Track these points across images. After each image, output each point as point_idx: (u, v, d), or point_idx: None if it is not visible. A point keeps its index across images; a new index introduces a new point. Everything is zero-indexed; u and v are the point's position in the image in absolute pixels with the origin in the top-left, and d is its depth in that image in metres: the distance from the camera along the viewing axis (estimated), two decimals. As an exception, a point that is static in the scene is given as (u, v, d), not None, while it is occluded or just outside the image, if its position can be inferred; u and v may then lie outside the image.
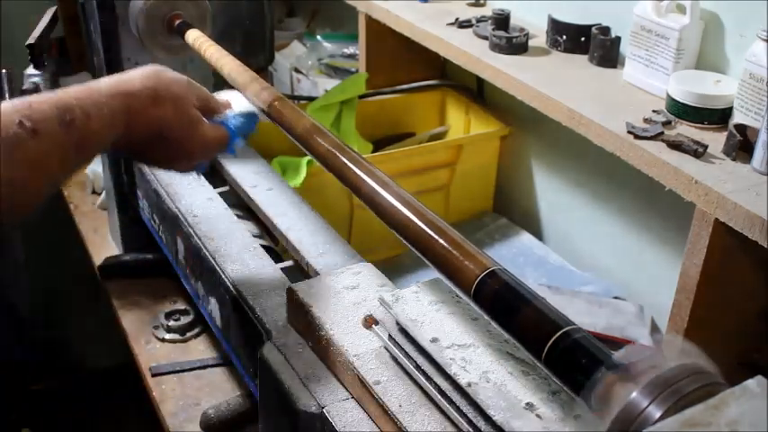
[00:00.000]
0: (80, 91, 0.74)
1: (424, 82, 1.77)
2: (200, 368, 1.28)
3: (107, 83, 0.78)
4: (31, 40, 1.77)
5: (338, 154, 0.81)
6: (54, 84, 1.36)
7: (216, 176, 1.27)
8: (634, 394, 0.47)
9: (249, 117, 0.95)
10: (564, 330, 0.55)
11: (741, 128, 1.04)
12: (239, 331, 0.97)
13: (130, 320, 1.38)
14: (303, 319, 0.81)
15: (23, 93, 1.21)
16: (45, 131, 0.67)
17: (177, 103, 0.82)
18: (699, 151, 1.04)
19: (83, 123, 0.71)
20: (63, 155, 0.69)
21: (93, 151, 0.76)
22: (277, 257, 1.09)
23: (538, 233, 1.64)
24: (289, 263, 1.06)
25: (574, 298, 1.38)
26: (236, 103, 0.95)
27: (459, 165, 1.59)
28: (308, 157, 1.30)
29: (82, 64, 2.06)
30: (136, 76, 0.81)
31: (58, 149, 0.69)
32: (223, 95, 0.95)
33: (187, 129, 0.83)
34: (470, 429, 0.63)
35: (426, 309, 0.73)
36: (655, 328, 1.34)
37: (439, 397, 0.67)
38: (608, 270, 1.48)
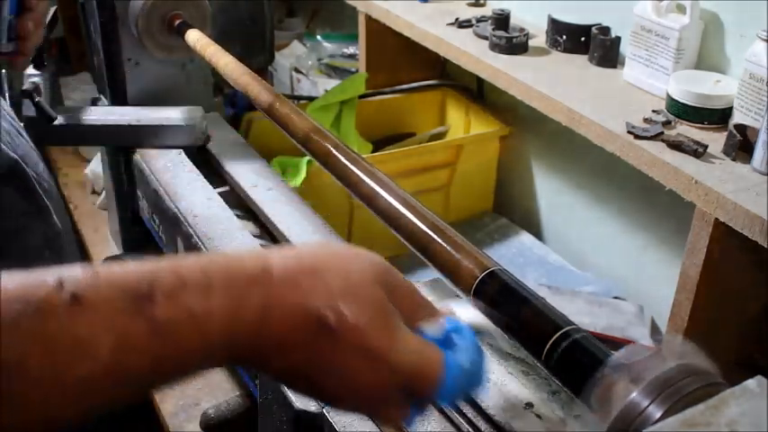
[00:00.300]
0: (191, 259, 0.48)
1: (424, 82, 1.77)
2: (200, 368, 1.28)
3: (240, 255, 0.51)
4: (31, 40, 1.77)
5: (338, 154, 0.81)
6: (54, 84, 1.36)
7: (216, 176, 1.27)
8: (634, 394, 0.47)
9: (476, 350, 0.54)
10: (564, 330, 0.55)
11: (741, 128, 1.04)
12: (239, 331, 0.97)
13: (130, 320, 1.38)
14: (303, 319, 0.81)
15: (23, 93, 1.21)
16: (94, 300, 0.42)
17: (349, 273, 0.50)
18: (699, 151, 1.04)
19: (169, 298, 0.44)
20: (123, 340, 0.42)
21: (189, 342, 0.45)
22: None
23: (538, 233, 1.64)
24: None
25: (574, 298, 1.38)
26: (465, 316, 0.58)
27: (459, 165, 1.59)
28: (308, 157, 1.30)
29: (82, 64, 2.06)
30: (290, 248, 0.55)
31: (110, 330, 0.42)
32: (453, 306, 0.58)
33: (363, 312, 0.49)
34: (470, 429, 0.63)
35: (426, 309, 0.73)
36: (655, 328, 1.34)
37: (439, 397, 0.67)
38: (608, 270, 1.48)
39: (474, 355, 0.52)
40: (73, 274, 0.43)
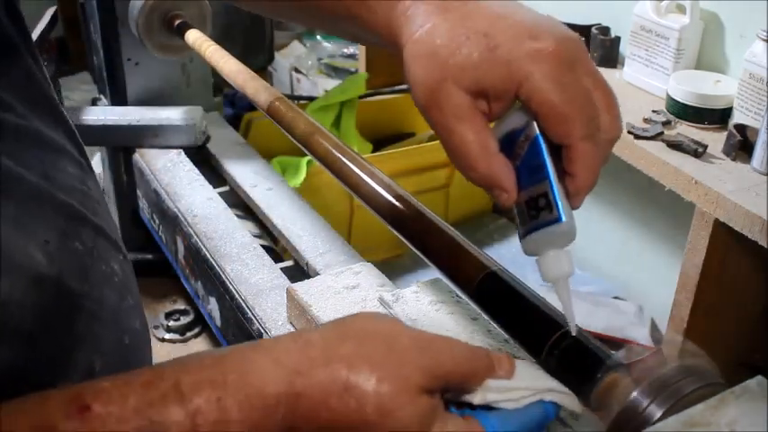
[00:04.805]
0: (204, 372, 0.43)
1: (424, 82, 1.77)
2: (200, 368, 1.28)
3: (261, 349, 0.46)
4: (30, 40, 1.77)
5: (338, 154, 0.81)
6: (54, 84, 1.36)
7: (216, 176, 1.27)
8: (634, 394, 0.47)
9: (535, 407, 0.51)
10: (564, 330, 0.55)
11: (741, 128, 1.04)
12: (239, 331, 0.97)
13: (130, 320, 1.38)
14: (303, 319, 0.81)
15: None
16: None
17: (389, 388, 0.44)
18: (699, 151, 1.04)
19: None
20: None
21: None
22: (277, 257, 1.09)
23: (538, 233, 1.63)
24: (289, 263, 1.06)
25: (574, 298, 1.38)
26: (526, 380, 0.51)
27: (460, 165, 1.59)
28: (308, 157, 1.30)
29: (82, 64, 2.07)
30: (316, 335, 0.47)
31: None
32: (505, 363, 0.51)
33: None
34: (470, 429, 0.63)
35: (426, 309, 0.73)
36: (655, 328, 1.34)
37: (439, 397, 0.67)
38: (608, 270, 1.48)
39: (520, 418, 0.50)
40: (63, 427, 0.39)
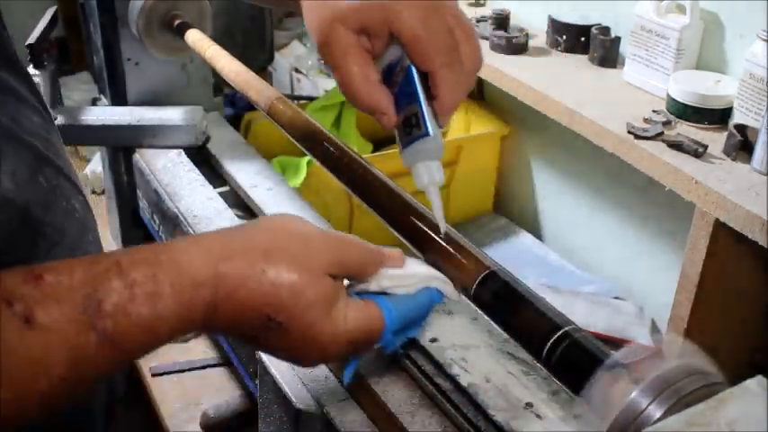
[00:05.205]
0: (139, 253, 0.50)
1: (423, 82, 1.77)
2: (200, 368, 1.28)
3: (188, 242, 0.54)
4: (30, 40, 1.77)
5: (338, 154, 0.81)
6: (54, 84, 1.36)
7: (216, 176, 1.27)
8: (634, 394, 0.47)
9: (423, 293, 0.62)
10: (564, 330, 0.55)
11: (741, 128, 1.04)
12: (239, 331, 0.97)
13: (130, 320, 1.38)
14: (303, 319, 0.81)
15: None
16: (44, 320, 0.44)
17: (297, 271, 0.54)
18: (699, 151, 1.04)
19: (118, 307, 0.47)
20: (78, 352, 0.46)
21: (143, 345, 0.49)
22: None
23: (538, 233, 1.64)
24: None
25: (574, 298, 1.38)
26: (413, 268, 0.63)
27: (459, 165, 1.59)
28: (308, 157, 1.30)
29: (82, 64, 2.07)
30: (238, 230, 0.57)
31: (63, 346, 0.45)
32: (394, 254, 0.62)
33: (311, 311, 0.54)
34: (470, 429, 0.63)
35: (426, 309, 0.73)
36: (655, 328, 1.34)
37: (439, 397, 0.67)
38: (608, 270, 1.48)
39: (409, 302, 0.61)
40: (20, 290, 0.44)
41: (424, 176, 0.63)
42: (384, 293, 0.60)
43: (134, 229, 1.42)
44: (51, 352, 0.44)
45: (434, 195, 0.63)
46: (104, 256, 0.49)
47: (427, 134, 0.61)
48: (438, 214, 0.64)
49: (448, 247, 0.66)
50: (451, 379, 0.66)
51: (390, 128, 0.63)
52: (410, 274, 0.62)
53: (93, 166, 1.73)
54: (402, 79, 0.62)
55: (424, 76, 0.61)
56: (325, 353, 0.57)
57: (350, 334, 0.57)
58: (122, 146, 1.34)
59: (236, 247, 0.53)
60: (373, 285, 0.60)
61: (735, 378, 0.48)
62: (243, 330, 0.54)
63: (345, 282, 0.59)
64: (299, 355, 0.57)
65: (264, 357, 0.81)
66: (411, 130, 0.62)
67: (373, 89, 0.61)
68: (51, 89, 1.32)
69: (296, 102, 1.62)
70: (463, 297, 0.64)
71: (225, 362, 1.28)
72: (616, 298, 1.40)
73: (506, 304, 0.60)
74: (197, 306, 0.50)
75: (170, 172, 1.22)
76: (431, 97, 0.61)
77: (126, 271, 0.48)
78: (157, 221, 1.27)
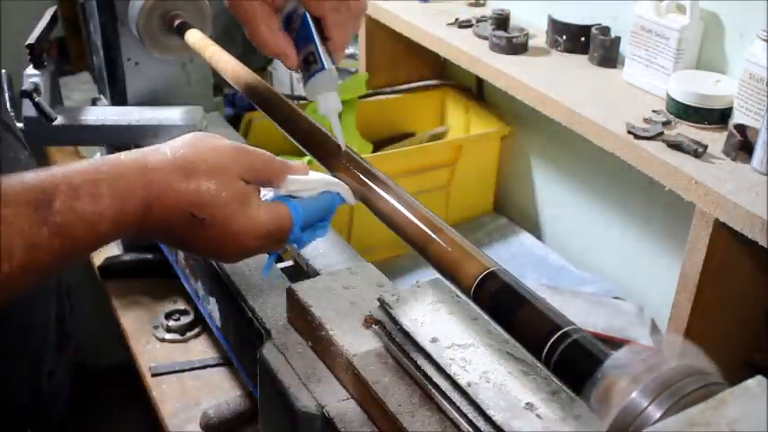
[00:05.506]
0: (83, 165, 0.61)
1: (423, 82, 1.77)
2: (200, 368, 1.28)
3: (126, 155, 0.64)
4: (30, 40, 1.77)
5: (338, 154, 0.81)
6: (54, 84, 1.36)
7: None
8: (634, 394, 0.47)
9: (326, 195, 0.73)
10: (564, 330, 0.55)
11: (741, 128, 1.04)
12: (239, 331, 0.97)
13: (130, 320, 1.38)
14: (303, 319, 0.81)
15: (23, 93, 1.21)
16: (6, 213, 0.54)
17: (216, 175, 0.65)
18: (699, 151, 1.04)
19: (66, 205, 0.57)
20: (31, 240, 0.56)
21: (86, 238, 0.60)
22: (277, 257, 1.09)
23: (538, 233, 1.64)
24: (289, 263, 1.06)
25: (574, 298, 1.38)
26: (315, 176, 0.74)
27: (459, 165, 1.59)
28: (308, 157, 1.30)
29: (82, 64, 2.06)
30: (165, 146, 0.67)
31: (20, 236, 0.55)
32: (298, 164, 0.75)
33: (228, 208, 0.65)
34: (470, 429, 0.63)
35: (426, 309, 0.73)
36: (655, 328, 1.34)
37: (439, 397, 0.67)
38: (608, 270, 1.48)
39: (314, 203, 0.71)
40: None
41: (324, 105, 0.77)
42: (291, 197, 0.70)
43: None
44: (13, 242, 0.55)
45: (334, 120, 0.78)
46: (52, 168, 0.59)
47: (323, 68, 0.75)
48: (338, 135, 0.78)
49: (448, 247, 0.66)
50: (451, 379, 0.66)
51: (293, 67, 0.77)
52: (313, 180, 0.72)
53: (93, 166, 1.72)
54: (299, 25, 0.75)
55: (318, 22, 0.74)
56: (243, 246, 0.67)
57: (263, 229, 0.67)
58: (122, 146, 1.34)
59: (164, 159, 0.64)
60: (282, 190, 0.70)
61: (735, 378, 0.48)
62: (172, 230, 0.64)
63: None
64: (221, 250, 0.68)
65: (265, 356, 0.81)
66: (309, 66, 0.76)
67: (276, 37, 0.75)
68: (51, 89, 1.32)
69: (296, 102, 1.62)
70: (463, 296, 0.64)
71: (225, 362, 1.28)
72: (616, 298, 1.40)
73: (506, 304, 0.60)
74: (131, 207, 0.61)
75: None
76: (324, 39, 0.75)
77: (70, 178, 0.58)
78: (157, 221, 1.26)
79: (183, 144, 0.67)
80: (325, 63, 0.74)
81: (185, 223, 0.64)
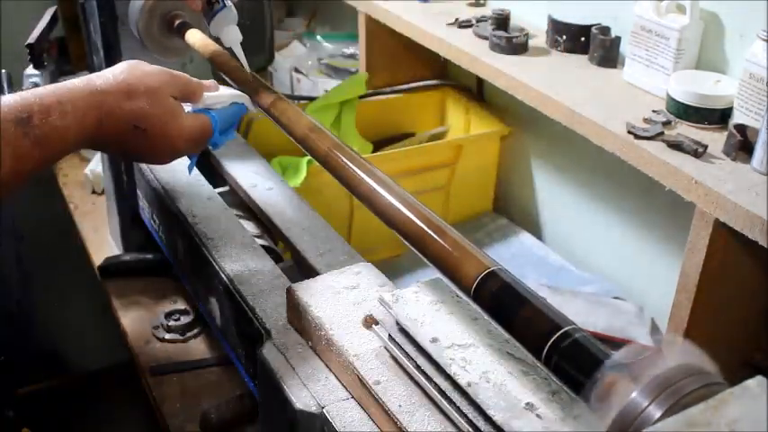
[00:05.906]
0: (48, 89, 0.77)
1: (423, 82, 1.77)
2: (200, 368, 1.28)
3: (79, 80, 0.81)
4: (30, 40, 1.77)
5: (338, 154, 0.81)
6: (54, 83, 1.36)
7: (216, 176, 1.27)
8: (634, 394, 0.47)
9: (234, 106, 0.95)
10: (564, 330, 0.55)
11: (741, 128, 1.04)
12: (239, 331, 0.97)
13: (130, 320, 1.38)
14: (303, 319, 0.81)
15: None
16: None
17: (152, 95, 0.84)
18: (699, 151, 1.04)
19: (41, 120, 0.74)
20: (17, 151, 0.72)
21: (58, 147, 0.77)
22: (277, 257, 1.09)
23: (538, 233, 1.64)
24: (289, 263, 1.06)
25: (574, 298, 1.38)
26: (225, 92, 0.95)
27: (459, 165, 1.59)
28: (308, 157, 1.30)
29: (82, 64, 2.06)
30: (108, 72, 0.84)
31: (8, 146, 0.71)
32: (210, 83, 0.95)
33: (162, 119, 0.85)
34: (470, 429, 0.63)
35: (426, 309, 0.73)
36: (655, 328, 1.34)
37: (439, 397, 0.67)
38: (608, 270, 1.48)
39: (226, 112, 0.94)
40: None
41: (228, 37, 0.99)
42: (208, 109, 0.92)
43: (134, 229, 1.42)
44: (3, 153, 0.71)
45: (237, 49, 0.99)
46: (22, 93, 0.75)
47: (224, 6, 0.98)
48: (242, 60, 0.99)
49: (448, 247, 0.66)
50: (451, 379, 0.66)
51: (198, 10, 1.01)
52: (224, 95, 0.94)
53: (93, 166, 1.73)
54: None
55: None
56: (175, 148, 0.88)
57: (191, 131, 0.88)
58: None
59: (112, 83, 0.82)
60: (200, 105, 0.92)
61: (735, 378, 0.48)
62: (120, 139, 0.83)
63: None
64: (158, 153, 0.88)
65: (265, 356, 0.81)
66: (213, 5, 0.98)
67: None
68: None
69: (296, 102, 1.62)
70: (463, 296, 0.64)
71: (225, 362, 1.28)
72: (616, 298, 1.40)
73: (506, 304, 0.60)
74: (89, 122, 0.79)
75: (170, 172, 1.22)
76: None
77: (41, 98, 0.75)
78: (157, 221, 1.27)
79: (122, 70, 0.84)
80: (226, 1, 0.97)
81: (131, 134, 0.83)
